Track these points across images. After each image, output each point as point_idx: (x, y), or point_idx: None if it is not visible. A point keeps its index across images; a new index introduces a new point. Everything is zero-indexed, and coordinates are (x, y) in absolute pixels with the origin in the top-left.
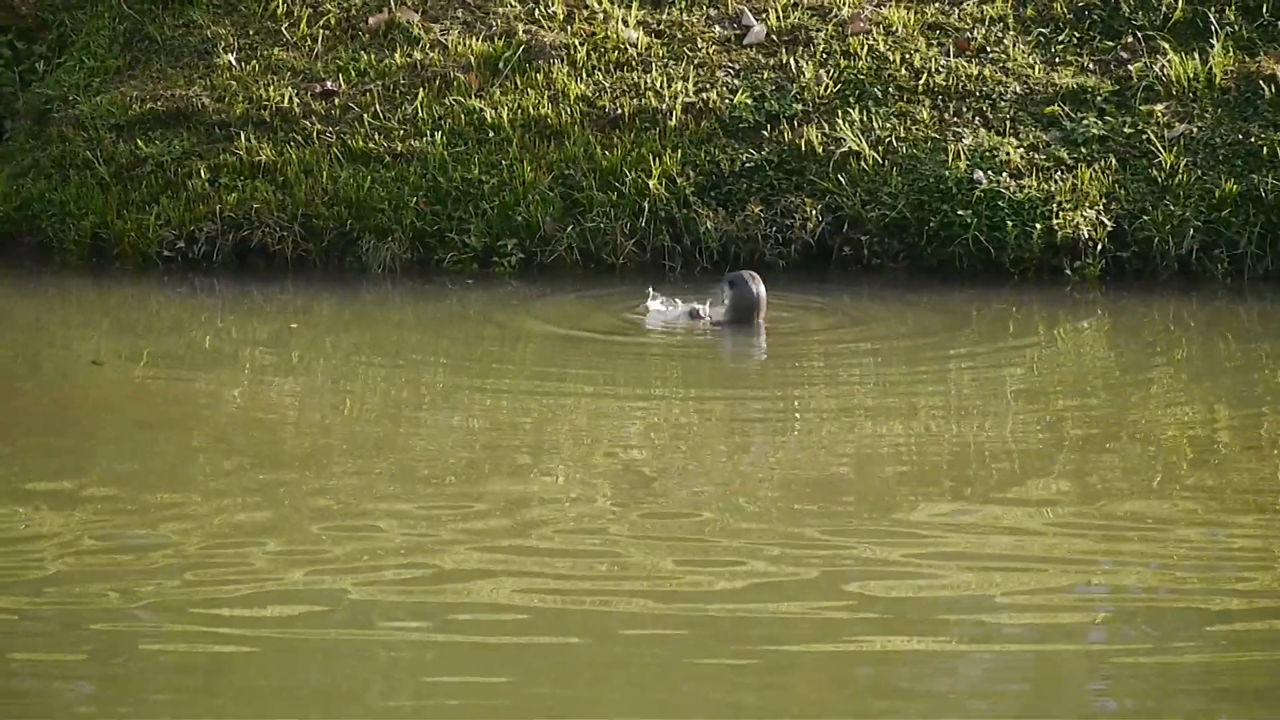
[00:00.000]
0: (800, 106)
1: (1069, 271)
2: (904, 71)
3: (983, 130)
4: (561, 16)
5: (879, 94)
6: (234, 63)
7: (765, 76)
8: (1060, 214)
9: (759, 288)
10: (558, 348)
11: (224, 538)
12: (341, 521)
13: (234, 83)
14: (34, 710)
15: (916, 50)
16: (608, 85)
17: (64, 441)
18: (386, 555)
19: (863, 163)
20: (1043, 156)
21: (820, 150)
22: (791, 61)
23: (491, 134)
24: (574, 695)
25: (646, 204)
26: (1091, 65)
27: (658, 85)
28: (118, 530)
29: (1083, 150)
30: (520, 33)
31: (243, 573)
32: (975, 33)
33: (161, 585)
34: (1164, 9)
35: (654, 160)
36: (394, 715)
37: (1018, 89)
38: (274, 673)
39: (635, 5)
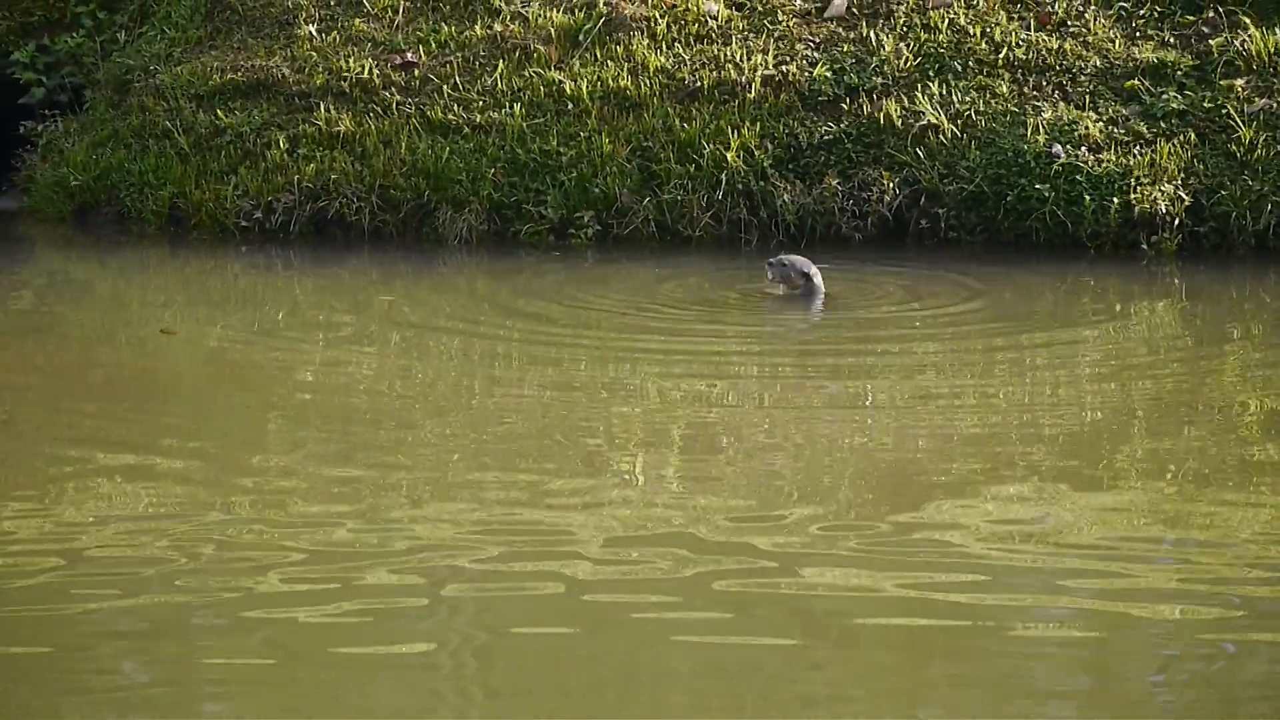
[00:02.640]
0: (879, 80)
1: (1145, 246)
2: (984, 45)
3: (1062, 104)
4: None
5: (959, 68)
6: (314, 33)
7: (845, 49)
8: (1138, 189)
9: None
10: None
11: (295, 509)
12: (416, 494)
13: (314, 53)
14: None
15: (997, 24)
16: (687, 58)
17: (138, 407)
18: (467, 529)
19: (941, 136)
20: (1121, 131)
21: (899, 124)
22: (871, 35)
23: (570, 106)
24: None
25: (724, 177)
26: (1172, 40)
27: (737, 58)
28: (186, 497)
29: (1161, 125)
30: (601, 4)
31: (314, 543)
32: (1056, 7)
33: (222, 554)
34: None
35: (732, 133)
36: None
37: (1098, 63)
38: (375, 637)
39: None
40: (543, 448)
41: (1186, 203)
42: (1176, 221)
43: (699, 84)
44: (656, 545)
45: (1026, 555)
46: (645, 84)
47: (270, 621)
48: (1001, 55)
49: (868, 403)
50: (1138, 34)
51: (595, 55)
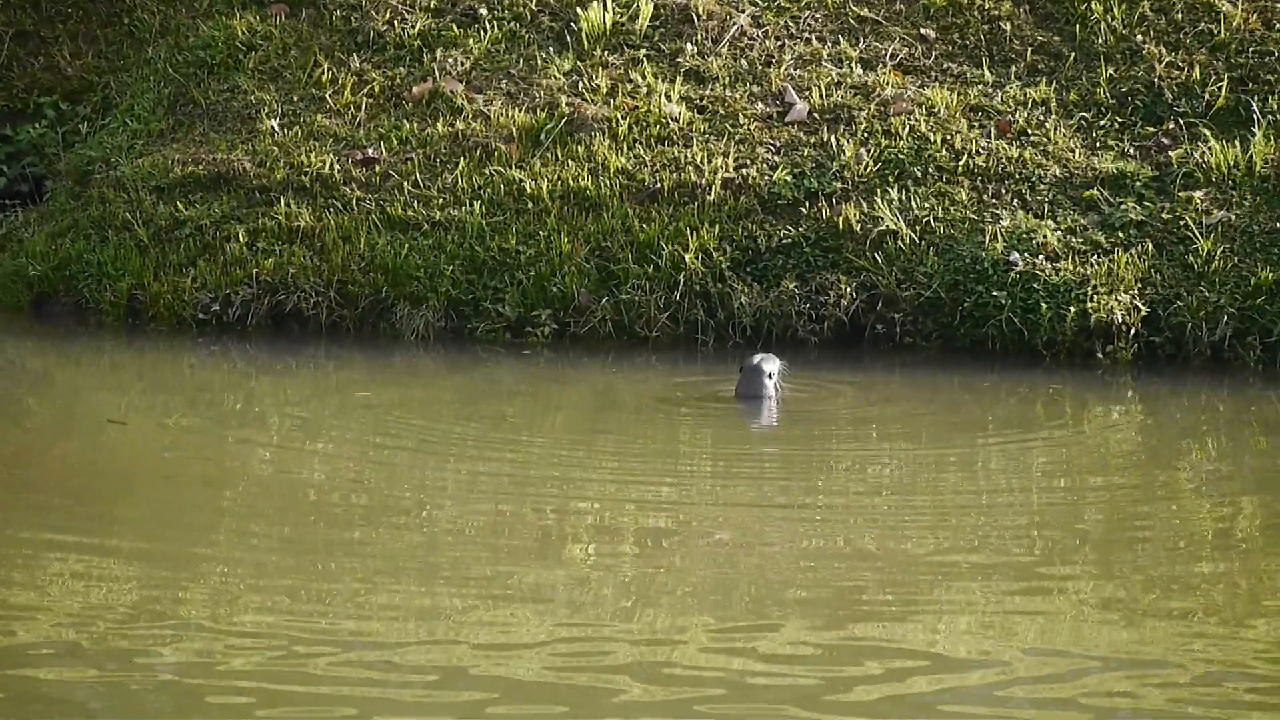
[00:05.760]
0: (839, 184)
1: (1101, 355)
2: (944, 152)
3: (1021, 212)
4: (605, 90)
5: (919, 174)
6: (276, 128)
7: (805, 154)
8: (1095, 298)
9: (761, 371)
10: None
11: (241, 604)
12: (361, 586)
13: (276, 148)
14: None
15: (958, 131)
16: (648, 159)
17: (89, 500)
18: (408, 626)
19: (900, 242)
20: (1080, 240)
21: (858, 228)
22: (832, 140)
23: (530, 204)
24: None
25: (681, 278)
26: (1132, 150)
27: (698, 160)
28: (140, 589)
29: (1120, 234)
30: (563, 104)
31: (258, 637)
32: (1017, 115)
33: (180, 647)
34: (1206, 96)
35: (691, 234)
36: None
37: (1057, 172)
38: None
39: (679, 80)
40: (494, 546)
41: (1143, 312)
42: (1132, 331)
43: (659, 185)
44: (600, 644)
45: (967, 679)
46: (605, 184)
47: None
48: (961, 163)
49: (817, 506)
50: (1098, 144)
51: (556, 155)
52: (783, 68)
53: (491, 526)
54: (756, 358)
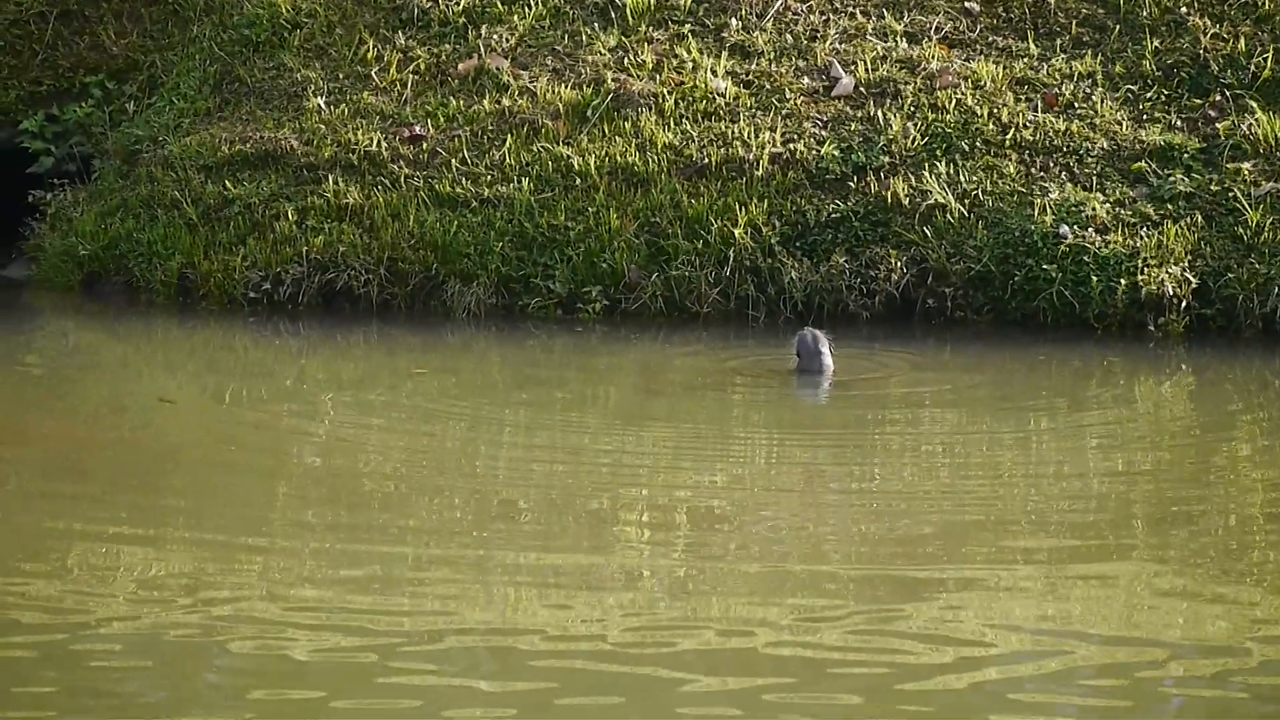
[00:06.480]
0: (887, 158)
1: (1152, 328)
2: (991, 126)
3: (1069, 185)
4: (650, 65)
5: (966, 147)
6: (323, 106)
7: (853, 128)
8: (1145, 270)
9: (817, 348)
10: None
11: (294, 594)
12: (416, 569)
13: (323, 126)
14: None
15: (1004, 105)
16: (695, 134)
17: (139, 483)
18: (461, 606)
19: (948, 215)
20: (1128, 212)
21: (906, 202)
22: (879, 114)
23: (578, 181)
24: None
25: (731, 253)
26: (1179, 122)
27: (745, 135)
28: (190, 571)
29: (1169, 207)
30: (609, 81)
31: (317, 617)
32: (1063, 88)
33: (236, 634)
34: (1252, 68)
35: (740, 209)
36: None
37: (1105, 145)
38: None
39: (724, 55)
40: (549, 524)
41: (1193, 285)
42: (1183, 303)
43: (707, 161)
44: (662, 614)
45: (1028, 643)
46: (653, 160)
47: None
48: (1009, 136)
49: (872, 482)
50: (1144, 116)
51: (603, 131)
52: (828, 42)
53: (544, 510)
54: (808, 332)
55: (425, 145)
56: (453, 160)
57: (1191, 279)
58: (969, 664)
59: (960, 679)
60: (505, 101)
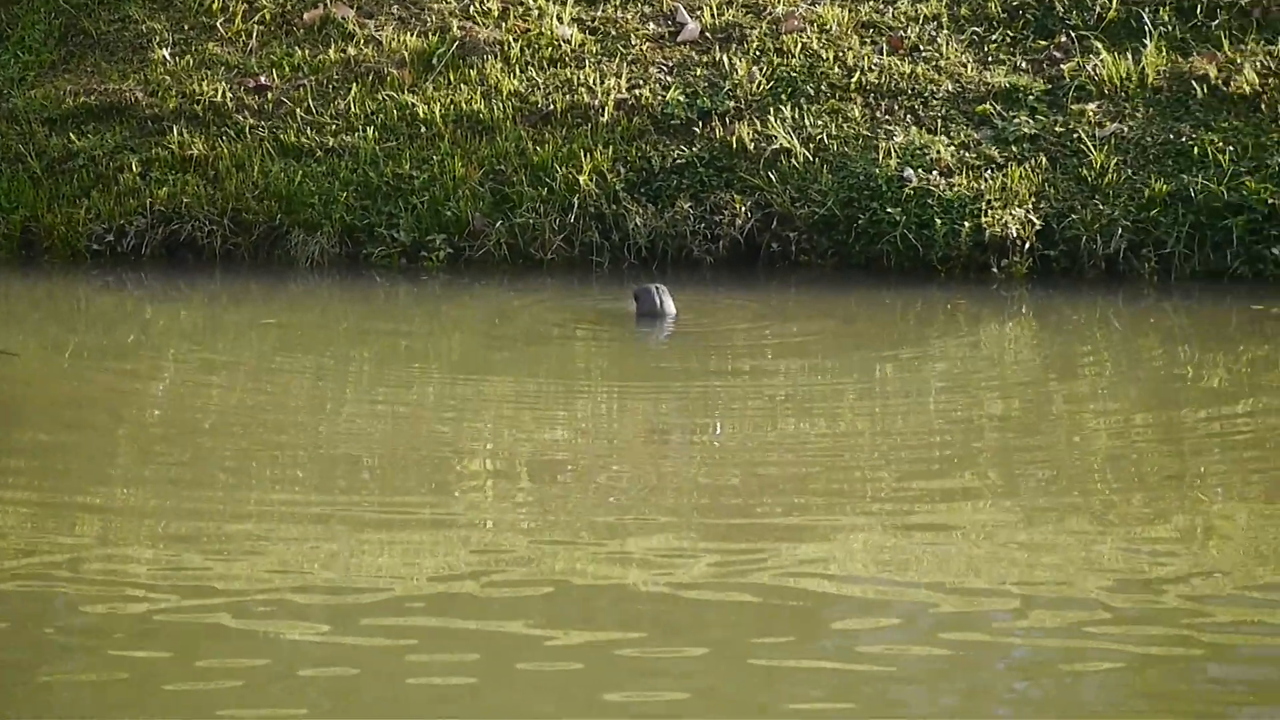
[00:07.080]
0: (732, 104)
1: (996, 270)
2: (836, 69)
3: (914, 128)
4: (496, 13)
5: (811, 91)
6: (168, 57)
7: (698, 73)
8: (989, 212)
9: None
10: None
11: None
12: (259, 524)
13: (168, 77)
14: None
15: (850, 48)
16: (541, 81)
17: None
18: (305, 562)
19: (793, 160)
20: (973, 155)
21: (751, 147)
22: (725, 59)
23: (423, 129)
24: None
25: (576, 200)
26: (1024, 64)
27: (590, 82)
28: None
29: (1013, 149)
30: (455, 29)
31: (157, 571)
32: (909, 31)
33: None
34: (1098, 9)
35: (585, 156)
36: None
37: (950, 87)
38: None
39: (570, 2)
40: (390, 470)
41: (1037, 226)
42: (1027, 245)
43: (552, 108)
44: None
45: (872, 592)
46: (498, 108)
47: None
48: (854, 79)
49: (715, 432)
50: (990, 59)
51: (448, 79)
52: None
53: (388, 465)
54: (651, 286)
55: (270, 95)
56: (298, 110)
57: (1035, 221)
58: (816, 616)
59: (810, 630)
60: (350, 50)
